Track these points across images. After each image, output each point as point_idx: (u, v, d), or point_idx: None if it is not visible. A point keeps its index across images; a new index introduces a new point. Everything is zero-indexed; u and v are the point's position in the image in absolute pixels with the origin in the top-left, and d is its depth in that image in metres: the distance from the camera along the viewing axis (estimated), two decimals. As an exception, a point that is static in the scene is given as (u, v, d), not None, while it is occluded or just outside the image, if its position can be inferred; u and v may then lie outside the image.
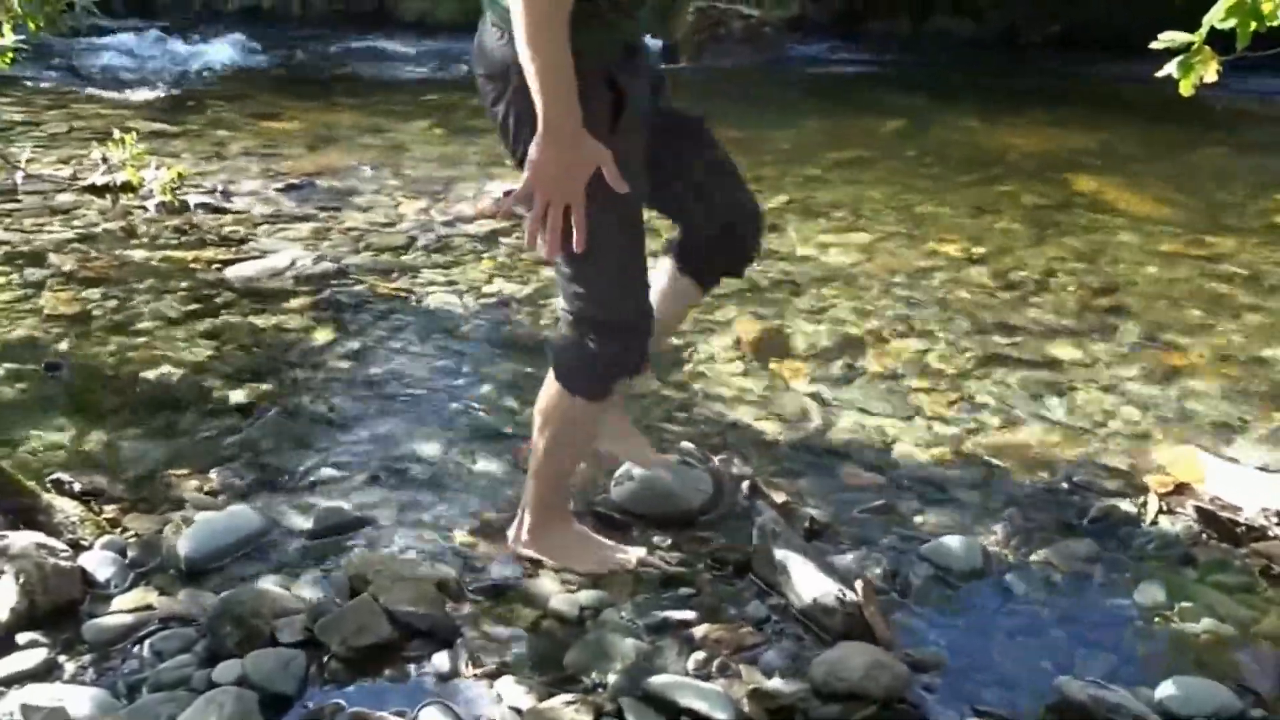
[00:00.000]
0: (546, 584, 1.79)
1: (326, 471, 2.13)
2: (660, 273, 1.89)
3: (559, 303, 1.71)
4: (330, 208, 3.86)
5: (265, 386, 2.49)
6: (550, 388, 1.76)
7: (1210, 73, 2.00)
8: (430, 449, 2.23)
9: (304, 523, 1.93)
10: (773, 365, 2.74)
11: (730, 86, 6.63)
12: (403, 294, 3.09)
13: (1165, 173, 4.95)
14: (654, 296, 1.79)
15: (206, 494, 2.03)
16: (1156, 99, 6.15)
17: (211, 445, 2.23)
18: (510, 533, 1.87)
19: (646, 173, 1.63)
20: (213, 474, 2.09)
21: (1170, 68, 2.03)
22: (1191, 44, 2.00)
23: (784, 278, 3.35)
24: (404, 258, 3.39)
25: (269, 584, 1.73)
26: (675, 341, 2.85)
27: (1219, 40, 1.97)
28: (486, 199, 3.96)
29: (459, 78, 6.98)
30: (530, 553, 1.84)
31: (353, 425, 2.33)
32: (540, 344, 2.80)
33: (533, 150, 1.42)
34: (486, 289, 3.16)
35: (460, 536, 1.92)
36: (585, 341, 1.67)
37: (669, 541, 1.92)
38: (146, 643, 1.59)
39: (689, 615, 1.70)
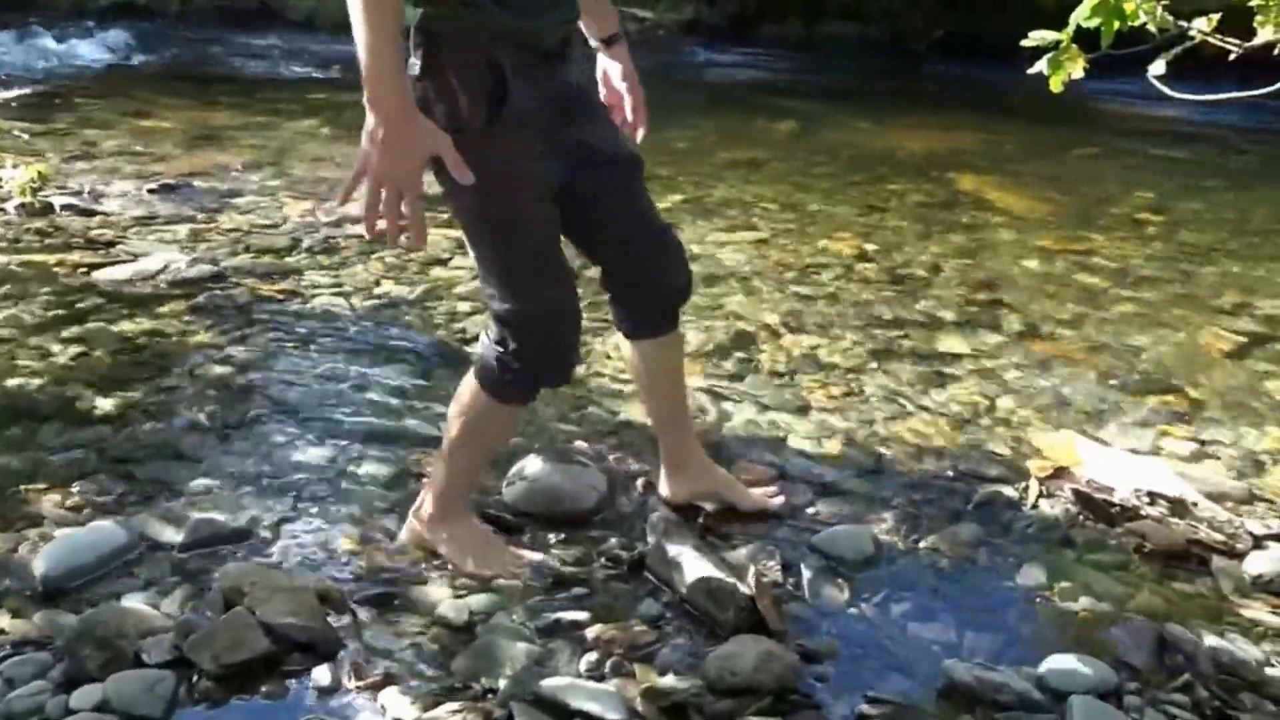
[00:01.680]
0: (435, 590, 1.74)
1: (201, 482, 2.02)
2: (634, 362, 1.88)
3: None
4: (208, 209, 3.70)
5: (135, 395, 2.36)
6: (467, 381, 1.73)
7: (1077, 69, 2.08)
8: (313, 456, 2.15)
9: (175, 536, 1.82)
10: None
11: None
12: (285, 297, 2.98)
13: (1042, 172, 5.15)
14: (644, 385, 1.86)
15: (68, 509, 1.91)
16: (1035, 102, 6.42)
17: (74, 458, 2.09)
18: (410, 517, 1.82)
19: (550, 179, 1.59)
20: (75, 488, 1.97)
21: (1040, 65, 2.10)
22: (1060, 42, 2.08)
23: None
24: (287, 259, 3.27)
25: (135, 602, 1.63)
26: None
27: (1087, 39, 2.05)
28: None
29: (347, 78, 6.82)
30: (423, 540, 1.80)
31: (230, 433, 2.23)
32: (429, 346, 2.74)
33: (364, 129, 1.37)
34: (375, 291, 3.07)
35: (344, 544, 1.85)
36: (498, 339, 1.65)
37: (562, 541, 1.88)
38: (-4, 670, 1.47)
39: (581, 616, 1.67)
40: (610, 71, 1.80)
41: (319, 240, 3.44)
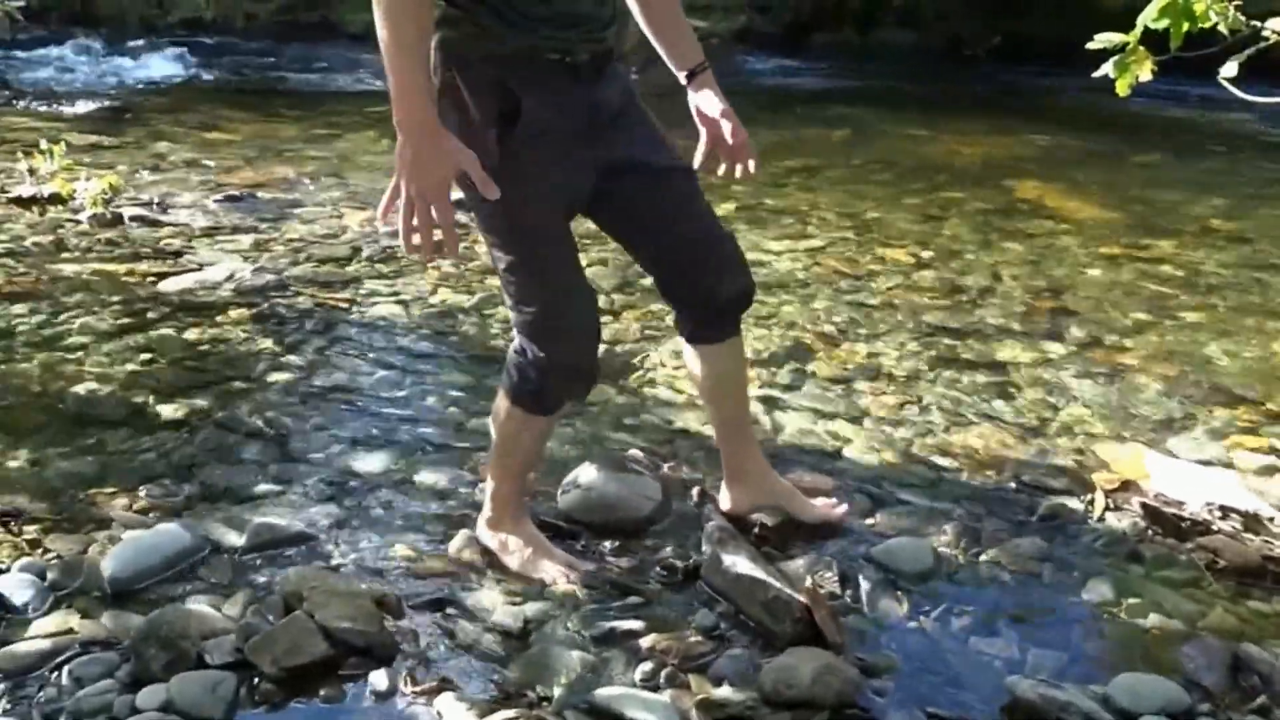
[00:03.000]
0: (490, 597, 1.74)
1: (263, 487, 2.06)
2: (693, 366, 1.87)
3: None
4: (272, 219, 3.78)
5: (200, 401, 2.41)
6: (499, 392, 1.78)
7: (1145, 72, 2.02)
8: (371, 462, 2.17)
9: (238, 540, 1.86)
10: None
11: (678, 98, 6.64)
12: (345, 305, 3.03)
13: (1105, 179, 5.04)
14: (706, 390, 1.85)
15: (135, 512, 1.95)
16: (1095, 108, 6.30)
17: (142, 462, 2.15)
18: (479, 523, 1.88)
19: (573, 197, 1.61)
20: (142, 491, 2.01)
21: (1107, 68, 2.05)
22: (1126, 45, 2.03)
23: (733, 284, 3.34)
24: (347, 269, 3.33)
25: (199, 604, 1.66)
26: (623, 349, 2.82)
27: (1154, 42, 2.00)
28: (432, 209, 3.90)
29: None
30: (478, 543, 1.85)
31: (291, 439, 2.26)
32: (486, 353, 2.76)
33: (396, 148, 1.43)
34: (432, 299, 3.11)
35: (401, 550, 1.86)
36: (520, 349, 1.70)
37: (617, 550, 1.88)
38: (65, 669, 1.51)
39: (636, 625, 1.66)
40: (702, 106, 1.75)
41: (378, 250, 3.49)
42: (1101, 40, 2.04)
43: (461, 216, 3.91)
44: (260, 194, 4.08)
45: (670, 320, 2.96)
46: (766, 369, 2.72)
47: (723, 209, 4.10)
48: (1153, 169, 5.37)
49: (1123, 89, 2.08)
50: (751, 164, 1.75)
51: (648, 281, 3.28)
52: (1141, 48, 2.03)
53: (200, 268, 3.24)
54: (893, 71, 7.78)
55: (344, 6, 8.95)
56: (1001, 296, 3.34)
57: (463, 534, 1.91)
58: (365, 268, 3.33)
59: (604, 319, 2.96)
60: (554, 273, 1.64)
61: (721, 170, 1.77)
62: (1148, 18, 2.00)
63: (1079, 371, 2.78)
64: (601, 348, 2.76)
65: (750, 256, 3.53)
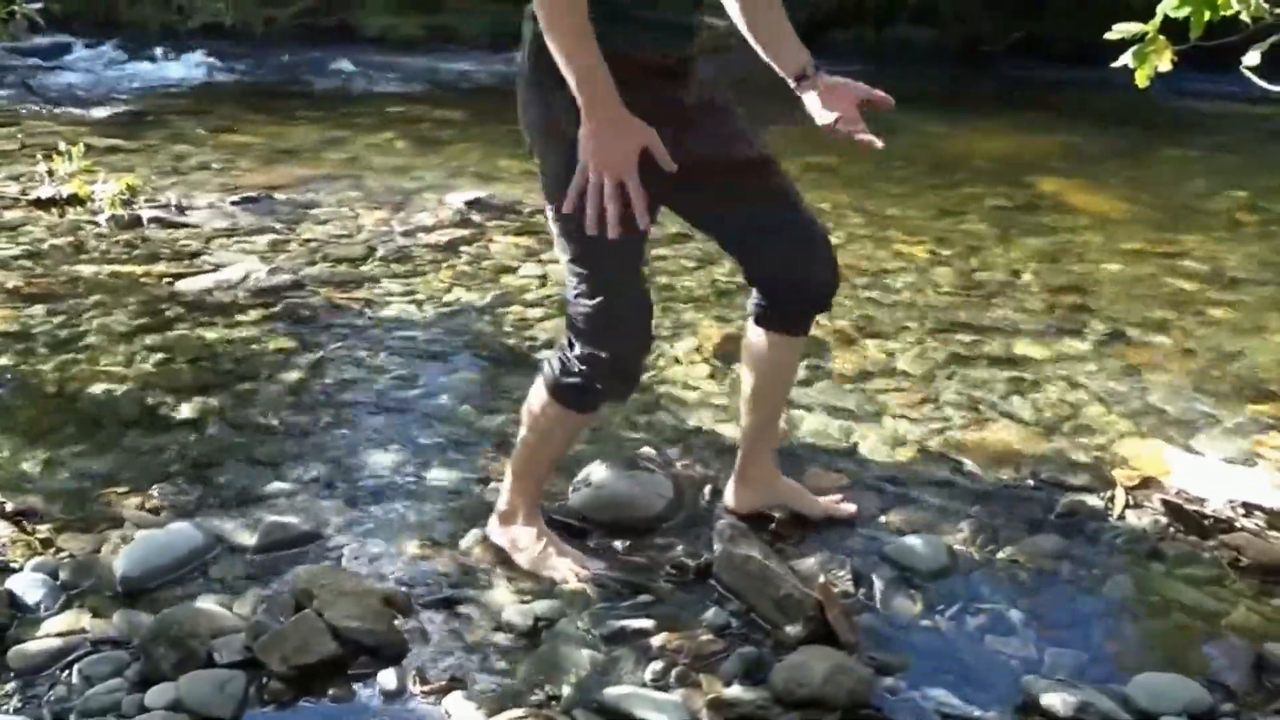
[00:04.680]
0: (500, 595, 1.73)
1: (275, 486, 2.06)
2: (753, 346, 1.85)
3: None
4: (288, 220, 3.79)
5: (214, 401, 2.42)
6: (537, 385, 1.77)
7: (1165, 62, 1.99)
8: (383, 461, 2.17)
9: (249, 539, 1.86)
10: (736, 368, 2.69)
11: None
12: (360, 305, 3.03)
13: (1125, 173, 4.98)
14: (754, 374, 1.84)
15: (148, 511, 1.96)
16: (1115, 103, 6.22)
17: (155, 462, 2.15)
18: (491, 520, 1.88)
19: (656, 195, 1.57)
20: (154, 491, 2.02)
21: (1126, 58, 2.01)
22: (1145, 34, 1.99)
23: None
24: (362, 268, 3.33)
25: (209, 603, 1.66)
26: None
27: (1174, 32, 1.96)
28: (447, 209, 3.91)
29: (421, 91, 6.95)
30: (490, 540, 1.85)
31: (304, 438, 2.26)
32: (499, 353, 2.76)
33: (581, 130, 1.46)
34: (446, 298, 3.11)
35: (411, 549, 1.86)
36: (569, 342, 1.68)
37: (628, 548, 1.86)
38: (76, 667, 1.51)
39: (647, 624, 1.64)
40: (825, 95, 1.66)
41: (393, 250, 3.49)
42: (1120, 30, 2.01)
43: (477, 216, 3.86)
44: (277, 195, 4.10)
45: (683, 319, 2.98)
46: (781, 366, 2.69)
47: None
48: (1175, 163, 5.30)
49: (1142, 79, 2.05)
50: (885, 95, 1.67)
51: (661, 281, 3.29)
52: (1161, 37, 2.00)
53: (217, 268, 3.25)
54: (911, 69, 7.71)
55: (362, 11, 9.01)
56: (1021, 292, 3.30)
57: (474, 533, 1.90)
58: (380, 267, 3.33)
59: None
60: (622, 273, 1.65)
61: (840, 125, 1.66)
62: (1168, 6, 1.96)
63: (1099, 368, 2.73)
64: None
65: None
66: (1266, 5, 1.92)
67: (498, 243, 3.59)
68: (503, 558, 1.82)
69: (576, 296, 1.64)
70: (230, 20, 8.75)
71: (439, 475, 2.11)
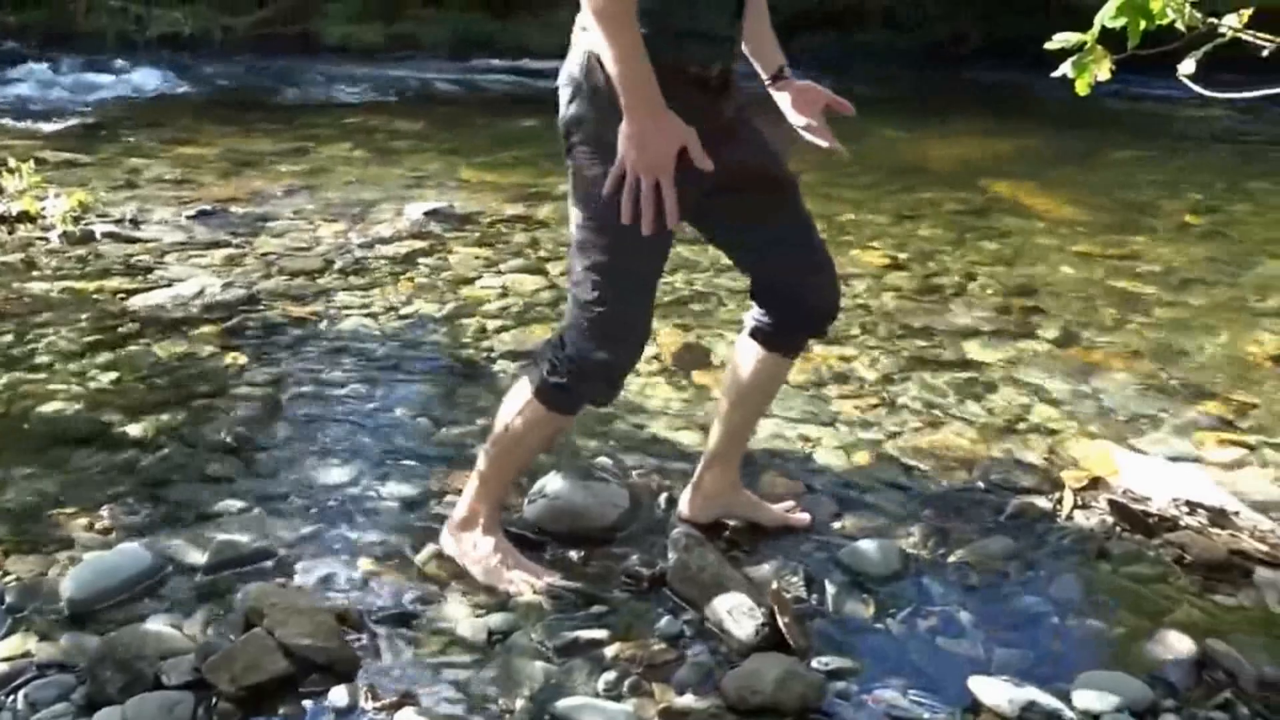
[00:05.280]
0: (454, 609, 1.73)
1: (227, 503, 2.04)
2: (742, 360, 1.87)
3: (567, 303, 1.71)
4: (244, 233, 3.76)
5: (166, 418, 2.39)
6: (519, 385, 1.76)
7: (1104, 71, 2.03)
8: (338, 475, 2.16)
9: (200, 558, 1.84)
10: (695, 376, 2.72)
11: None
12: (316, 318, 3.01)
13: (1080, 177, 5.06)
14: (737, 388, 1.86)
15: (97, 532, 1.93)
16: (1069, 106, 6.32)
17: (106, 481, 2.12)
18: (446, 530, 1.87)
19: (685, 206, 1.59)
20: (104, 511, 1.99)
21: (1065, 68, 2.05)
22: (1085, 44, 2.03)
23: (707, 289, 3.34)
24: (319, 281, 3.31)
25: (158, 624, 1.64)
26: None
27: (1115, 40, 2.00)
28: (405, 220, 3.90)
29: (381, 101, 6.92)
30: (446, 548, 1.84)
31: (257, 455, 2.25)
32: (457, 365, 2.75)
33: (622, 127, 1.49)
34: (404, 310, 3.10)
35: (365, 564, 1.85)
36: (561, 344, 1.68)
37: (583, 559, 1.87)
38: (21, 692, 1.49)
39: (601, 634, 1.65)
40: (795, 96, 1.77)
41: (350, 262, 3.48)
42: (1060, 40, 2.04)
43: (436, 227, 3.85)
44: (233, 208, 4.06)
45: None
46: (738, 373, 2.71)
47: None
48: (1127, 166, 5.40)
49: (1082, 88, 2.08)
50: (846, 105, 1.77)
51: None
52: (1100, 46, 2.04)
53: (170, 284, 3.22)
54: (872, 73, 7.80)
55: (322, 19, 8.96)
56: (975, 296, 3.35)
57: (430, 547, 1.89)
58: (337, 280, 3.32)
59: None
60: (640, 281, 1.67)
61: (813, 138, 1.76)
62: (1105, 16, 2.00)
63: (1051, 370, 2.78)
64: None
65: (725, 262, 3.56)
66: (1199, 15, 1.96)
67: (457, 254, 3.59)
68: (458, 571, 1.82)
69: (588, 302, 1.64)
70: (188, 30, 8.67)
71: (395, 489, 2.10)
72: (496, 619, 1.69)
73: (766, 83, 1.80)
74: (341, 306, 3.09)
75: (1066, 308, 3.25)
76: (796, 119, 1.77)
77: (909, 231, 4.06)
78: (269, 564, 1.84)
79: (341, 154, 5.13)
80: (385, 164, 4.93)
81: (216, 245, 3.63)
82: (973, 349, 2.91)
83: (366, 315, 3.04)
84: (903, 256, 3.72)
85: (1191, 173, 5.21)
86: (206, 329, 2.90)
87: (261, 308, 3.06)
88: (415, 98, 7.19)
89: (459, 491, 2.07)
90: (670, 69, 1.51)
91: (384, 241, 3.68)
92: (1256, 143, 5.88)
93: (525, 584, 1.76)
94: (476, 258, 3.56)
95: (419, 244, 3.66)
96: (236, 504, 2.03)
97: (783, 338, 1.83)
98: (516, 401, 1.76)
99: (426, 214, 3.91)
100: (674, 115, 1.49)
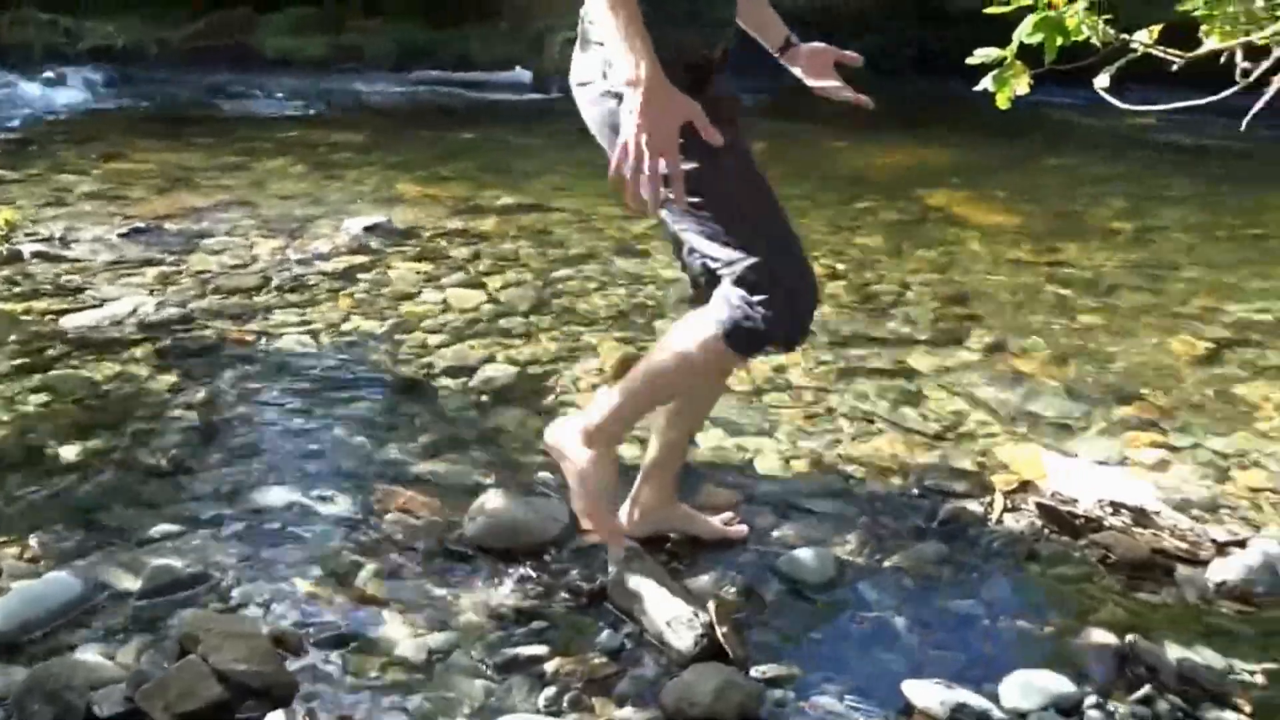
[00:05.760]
0: (394, 630, 1.72)
1: (162, 528, 2.01)
2: None
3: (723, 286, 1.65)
4: (178, 251, 3.70)
5: (98, 442, 2.35)
6: (691, 325, 1.69)
7: (1022, 85, 2.10)
8: (275, 496, 2.13)
9: (134, 584, 1.81)
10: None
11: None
12: (253, 337, 2.97)
13: (1014, 185, 5.19)
14: (678, 403, 1.85)
15: (27, 561, 1.89)
16: (1002, 115, 6.47)
17: (35, 508, 2.08)
18: (559, 426, 1.86)
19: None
20: (33, 539, 1.95)
21: (986, 82, 2.12)
22: (1005, 59, 2.09)
23: (649, 301, 3.37)
24: (256, 299, 3.27)
25: (90, 653, 1.61)
26: (537, 369, 2.82)
27: (1037, 55, 2.07)
28: (345, 235, 3.87)
29: (320, 114, 6.86)
30: (560, 443, 1.82)
31: (193, 477, 2.21)
32: (396, 381, 2.74)
33: (623, 108, 1.48)
34: (343, 328, 3.07)
35: (304, 586, 1.84)
36: (754, 294, 1.61)
37: (524, 574, 1.87)
38: (-55, 729, 1.46)
39: (541, 650, 1.66)
40: (807, 61, 1.81)
41: (288, 279, 3.44)
42: (980, 55, 2.11)
43: (375, 242, 3.80)
44: (168, 225, 3.99)
45: (584, 340, 3.00)
46: (679, 385, 2.73)
47: (638, 226, 4.13)
48: (1058, 173, 5.55)
49: (1003, 102, 2.14)
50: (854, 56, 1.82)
51: (561, 303, 3.31)
52: (1019, 62, 2.11)
53: (102, 304, 3.16)
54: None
55: (261, 31, 8.84)
56: (911, 305, 3.42)
57: (370, 566, 1.89)
58: (274, 298, 3.28)
59: (518, 340, 3.01)
60: (770, 215, 1.65)
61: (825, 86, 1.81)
62: (1023, 33, 2.07)
63: (984, 376, 2.85)
64: (514, 369, 2.81)
65: (664, 274, 3.60)
66: (1111, 31, 2.04)
67: (397, 269, 3.57)
68: (397, 591, 1.81)
69: (738, 259, 1.59)
70: (121, 43, 8.51)
71: (333, 509, 2.09)
72: (437, 638, 1.69)
73: (776, 55, 1.85)
74: (279, 325, 3.06)
75: (999, 315, 3.33)
76: (815, 82, 1.82)
77: (847, 241, 4.13)
78: (205, 589, 1.81)
79: (279, 168, 5.07)
80: (324, 178, 4.88)
81: (150, 263, 3.57)
82: (909, 357, 2.97)
83: (305, 333, 3.01)
84: (840, 267, 3.78)
85: (1119, 180, 5.37)
86: (140, 350, 2.85)
87: (196, 327, 3.01)
88: (356, 110, 7.13)
89: (401, 510, 2.08)
90: (675, 49, 1.52)
91: (323, 258, 3.65)
92: (1180, 150, 6.08)
93: (604, 532, 1.81)
94: (417, 273, 3.54)
95: (358, 260, 3.63)
96: (172, 528, 2.00)
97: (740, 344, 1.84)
98: (697, 337, 1.67)
99: (366, 229, 3.88)
100: (677, 91, 1.48)
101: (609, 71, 1.57)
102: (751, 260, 1.60)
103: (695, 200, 1.57)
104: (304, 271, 3.51)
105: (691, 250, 1.74)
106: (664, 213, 1.64)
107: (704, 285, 1.77)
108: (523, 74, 8.23)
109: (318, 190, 4.65)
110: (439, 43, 8.57)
